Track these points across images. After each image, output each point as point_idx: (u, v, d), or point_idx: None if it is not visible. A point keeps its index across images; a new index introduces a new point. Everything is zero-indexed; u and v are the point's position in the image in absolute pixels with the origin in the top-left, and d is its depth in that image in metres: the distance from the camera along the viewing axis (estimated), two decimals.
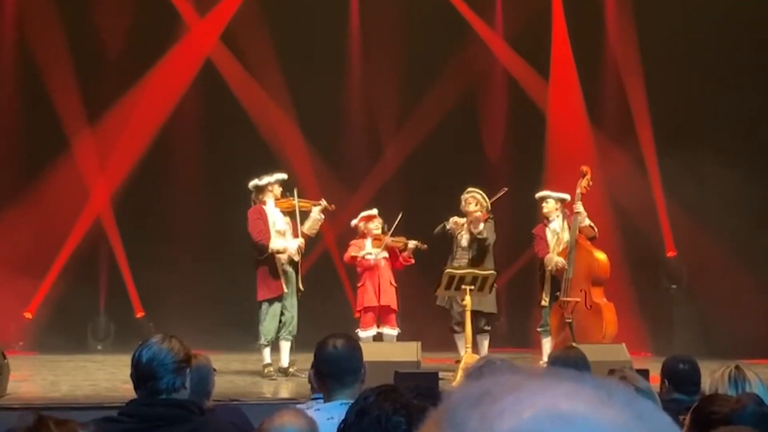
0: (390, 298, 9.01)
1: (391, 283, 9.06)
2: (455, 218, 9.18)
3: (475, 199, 9.15)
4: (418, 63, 12.47)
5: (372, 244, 9.12)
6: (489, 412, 0.82)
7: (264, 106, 12.28)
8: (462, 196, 9.26)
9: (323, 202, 8.87)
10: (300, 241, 8.64)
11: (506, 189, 9.38)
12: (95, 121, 11.81)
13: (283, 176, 8.90)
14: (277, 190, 8.76)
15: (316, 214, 8.81)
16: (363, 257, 9.06)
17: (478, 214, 8.98)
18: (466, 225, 9.10)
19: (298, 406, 3.31)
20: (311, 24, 12.11)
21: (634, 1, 12.21)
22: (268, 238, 8.51)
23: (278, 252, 8.54)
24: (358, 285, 9.21)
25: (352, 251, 9.18)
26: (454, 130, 12.65)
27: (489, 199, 9.22)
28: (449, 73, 12.53)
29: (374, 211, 9.31)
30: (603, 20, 12.74)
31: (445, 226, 9.18)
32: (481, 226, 8.98)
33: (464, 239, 9.12)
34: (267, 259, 8.60)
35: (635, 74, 12.22)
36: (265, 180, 8.77)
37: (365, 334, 8.95)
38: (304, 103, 12.12)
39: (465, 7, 12.65)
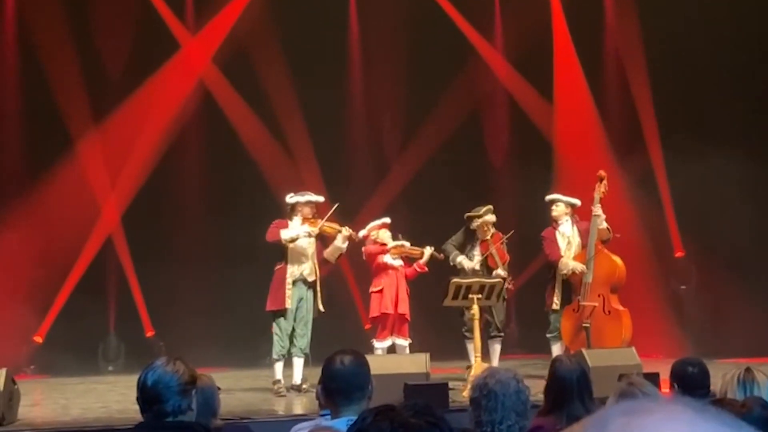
0: (406, 307, 8.93)
1: (407, 291, 9.01)
2: (471, 265, 8.98)
3: (492, 225, 9.04)
4: (422, 82, 12.49)
5: (390, 252, 9.01)
6: (634, 422, 0.93)
7: (269, 126, 12.30)
8: (475, 219, 9.03)
9: (346, 230, 8.72)
10: (311, 229, 8.57)
11: (513, 231, 9.14)
12: (101, 137, 11.80)
13: (318, 199, 8.80)
14: (308, 211, 8.67)
15: (339, 242, 8.73)
16: (383, 260, 8.96)
17: (501, 272, 8.78)
18: (482, 256, 8.96)
19: (304, 423, 3.31)
20: (313, 45, 12.07)
21: (636, 4, 12.23)
22: (279, 233, 8.52)
23: (291, 240, 8.52)
24: (373, 290, 9.02)
25: (373, 249, 9.00)
26: (459, 145, 12.65)
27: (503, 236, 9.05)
28: (453, 90, 12.57)
29: (387, 220, 9.18)
30: (603, 23, 12.76)
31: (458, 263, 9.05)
32: (500, 270, 8.89)
33: (476, 260, 9.02)
34: (280, 270, 8.61)
35: (640, 77, 12.23)
36: (294, 199, 8.70)
37: (381, 344, 8.87)
38: (310, 123, 12.14)
39: (466, 25, 12.70)
